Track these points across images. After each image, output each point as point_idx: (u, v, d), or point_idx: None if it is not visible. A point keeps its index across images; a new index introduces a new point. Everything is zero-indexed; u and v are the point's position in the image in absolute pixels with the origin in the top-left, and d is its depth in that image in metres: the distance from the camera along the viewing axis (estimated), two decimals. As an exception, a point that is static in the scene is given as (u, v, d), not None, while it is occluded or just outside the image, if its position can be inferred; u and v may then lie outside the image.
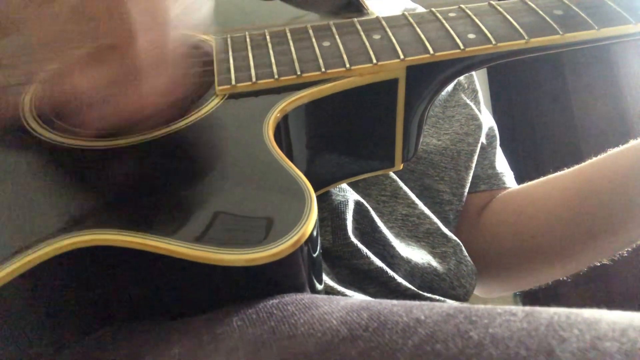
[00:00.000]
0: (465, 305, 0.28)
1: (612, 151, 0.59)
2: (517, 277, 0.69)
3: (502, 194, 0.68)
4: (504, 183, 0.69)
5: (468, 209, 0.66)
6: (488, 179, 0.69)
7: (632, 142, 0.57)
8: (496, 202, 0.67)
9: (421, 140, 0.50)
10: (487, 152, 0.70)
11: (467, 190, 0.64)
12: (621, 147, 0.58)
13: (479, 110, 0.69)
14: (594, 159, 0.60)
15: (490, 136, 0.71)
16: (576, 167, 0.62)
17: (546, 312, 0.26)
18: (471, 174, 0.65)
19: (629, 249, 0.60)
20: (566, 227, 0.60)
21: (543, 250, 0.63)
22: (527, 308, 0.26)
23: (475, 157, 0.65)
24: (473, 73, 0.73)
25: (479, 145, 0.66)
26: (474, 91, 0.71)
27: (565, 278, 0.67)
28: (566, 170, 0.63)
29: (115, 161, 0.40)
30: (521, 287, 0.72)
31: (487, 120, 0.71)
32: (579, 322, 0.24)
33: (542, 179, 0.65)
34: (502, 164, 0.72)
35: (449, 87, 0.67)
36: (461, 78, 0.70)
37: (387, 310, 0.29)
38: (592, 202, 0.59)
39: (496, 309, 0.27)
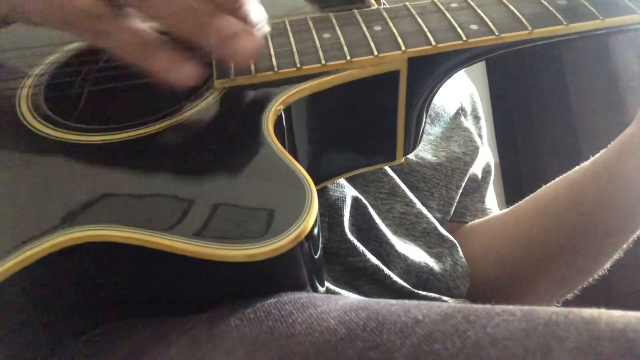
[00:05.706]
0: (463, 304, 0.28)
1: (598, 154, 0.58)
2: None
3: (486, 219, 0.68)
4: None
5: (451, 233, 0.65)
6: (475, 212, 0.69)
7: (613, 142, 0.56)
8: (479, 226, 0.67)
9: (423, 130, 0.49)
10: (480, 187, 0.70)
11: (453, 209, 0.64)
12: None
13: (480, 138, 0.69)
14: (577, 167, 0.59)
15: (485, 171, 0.71)
16: (553, 181, 0.61)
17: (544, 312, 0.26)
18: (459, 193, 0.64)
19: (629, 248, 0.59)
20: (556, 235, 0.59)
21: (545, 257, 0.62)
22: (526, 307, 0.26)
23: (466, 178, 0.64)
24: (477, 100, 0.74)
25: (473, 165, 0.65)
26: (476, 117, 0.72)
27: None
28: (544, 187, 0.62)
29: (112, 156, 0.39)
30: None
31: (486, 155, 0.72)
32: (578, 321, 0.24)
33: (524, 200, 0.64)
34: (491, 200, 0.72)
35: (451, 111, 0.67)
36: (465, 104, 0.70)
37: (385, 310, 0.29)
38: (582, 206, 0.57)
39: (495, 308, 0.27)
